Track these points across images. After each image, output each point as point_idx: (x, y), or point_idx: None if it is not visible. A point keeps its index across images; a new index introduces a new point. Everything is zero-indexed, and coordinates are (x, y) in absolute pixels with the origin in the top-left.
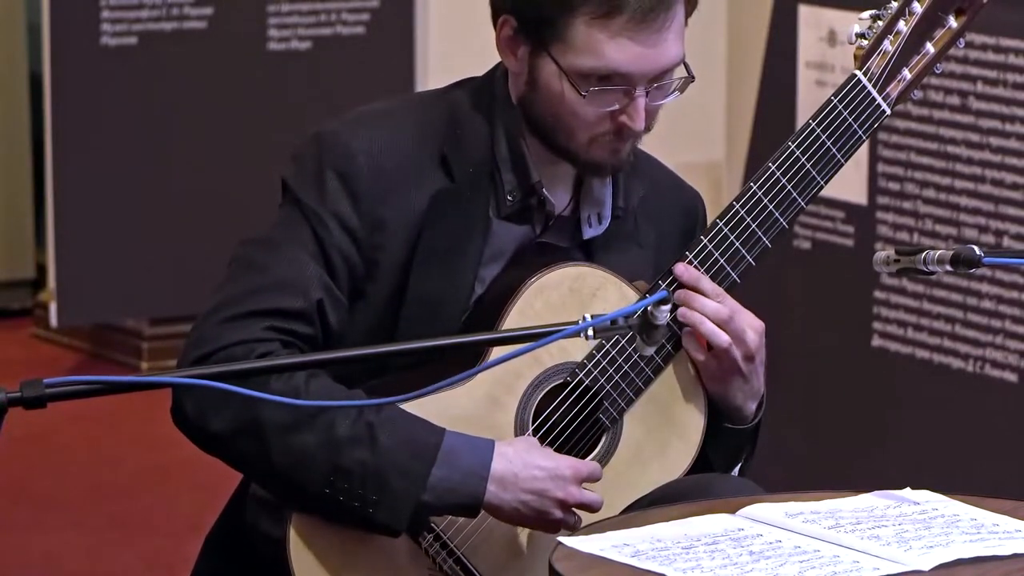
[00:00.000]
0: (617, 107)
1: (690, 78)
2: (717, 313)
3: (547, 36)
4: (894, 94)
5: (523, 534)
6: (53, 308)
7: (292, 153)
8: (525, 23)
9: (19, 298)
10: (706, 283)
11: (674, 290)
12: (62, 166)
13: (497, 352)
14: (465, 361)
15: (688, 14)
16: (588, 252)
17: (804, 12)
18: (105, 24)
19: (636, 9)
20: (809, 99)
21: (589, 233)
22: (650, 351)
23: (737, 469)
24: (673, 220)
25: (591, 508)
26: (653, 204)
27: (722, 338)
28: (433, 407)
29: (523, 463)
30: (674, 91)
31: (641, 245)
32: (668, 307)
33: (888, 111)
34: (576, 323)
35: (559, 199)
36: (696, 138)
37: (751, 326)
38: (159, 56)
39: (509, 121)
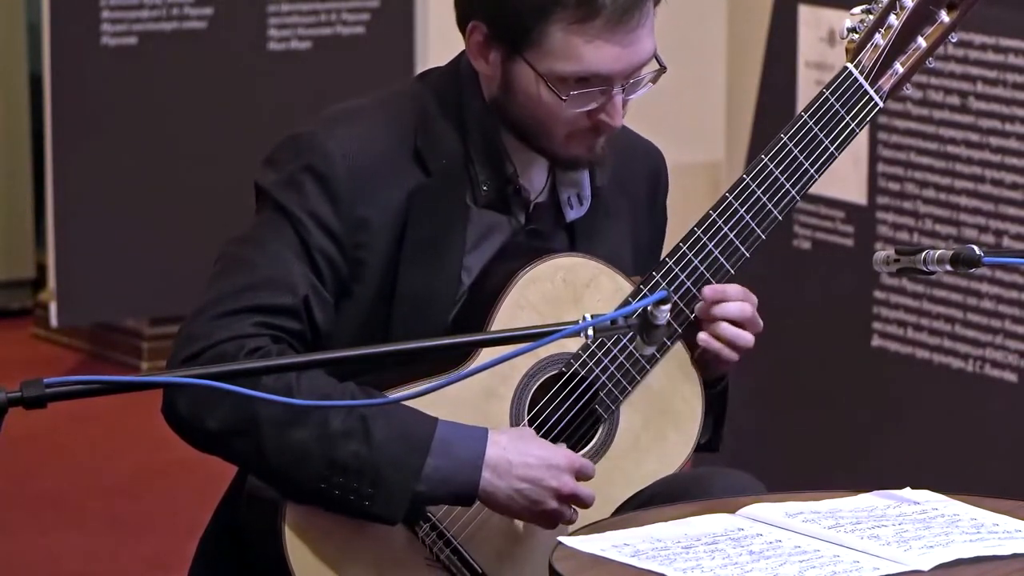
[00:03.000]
0: (595, 106)
1: (662, 69)
2: (743, 313)
3: (522, 42)
4: (886, 87)
5: (520, 523)
6: (53, 308)
7: (266, 157)
8: (497, 30)
9: (19, 298)
10: (732, 290)
11: (673, 289)
12: (62, 166)
13: (495, 348)
14: (459, 355)
15: (655, 3)
16: (572, 235)
17: (804, 12)
18: (105, 24)
19: (612, 12)
20: (809, 99)
21: (572, 215)
22: (650, 351)
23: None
24: (641, 186)
25: (583, 503)
26: (621, 172)
27: (747, 339)
28: (428, 398)
29: (517, 451)
30: (647, 84)
31: (620, 218)
32: (668, 307)
33: (880, 104)
34: (576, 322)
35: (535, 182)
36: (696, 138)
37: (754, 306)
38: (159, 56)
39: (480, 113)
